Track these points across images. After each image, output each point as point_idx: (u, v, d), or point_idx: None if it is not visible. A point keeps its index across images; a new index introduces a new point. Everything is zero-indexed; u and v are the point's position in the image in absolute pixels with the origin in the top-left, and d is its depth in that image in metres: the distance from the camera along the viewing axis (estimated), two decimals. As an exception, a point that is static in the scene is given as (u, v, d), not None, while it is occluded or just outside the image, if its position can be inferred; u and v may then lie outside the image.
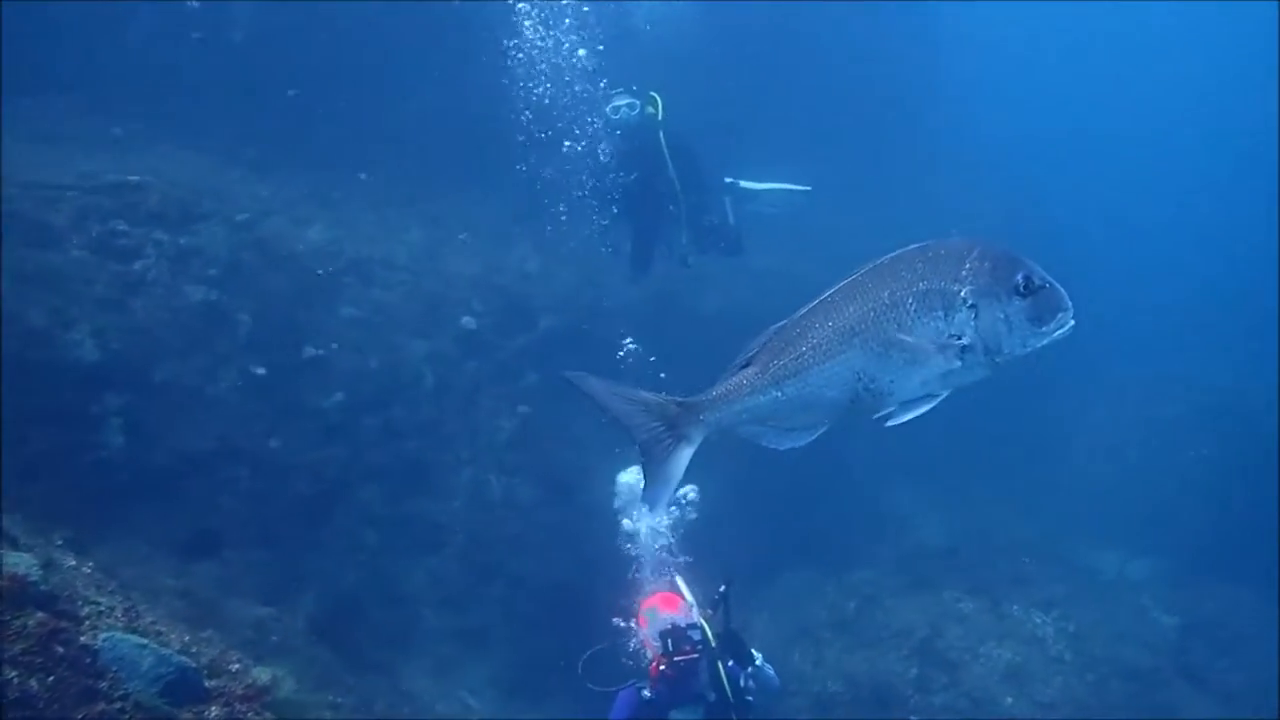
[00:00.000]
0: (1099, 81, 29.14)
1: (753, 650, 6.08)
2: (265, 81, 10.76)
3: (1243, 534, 12.22)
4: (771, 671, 6.21)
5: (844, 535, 11.35)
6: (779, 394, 3.14)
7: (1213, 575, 11.59)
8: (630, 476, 7.26)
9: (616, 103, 8.92)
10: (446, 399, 9.45)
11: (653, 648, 5.85)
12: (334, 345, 8.92)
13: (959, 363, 2.99)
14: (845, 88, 15.43)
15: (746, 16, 14.46)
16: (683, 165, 9.02)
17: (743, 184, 9.24)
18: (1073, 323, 2.96)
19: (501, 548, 9.15)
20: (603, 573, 7.66)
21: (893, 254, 3.09)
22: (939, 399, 3.07)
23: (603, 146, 9.11)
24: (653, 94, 9.04)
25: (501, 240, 10.99)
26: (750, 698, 5.91)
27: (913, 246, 3.07)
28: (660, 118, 8.97)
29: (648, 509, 3.48)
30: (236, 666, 4.54)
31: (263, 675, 4.63)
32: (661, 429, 3.28)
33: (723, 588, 5.94)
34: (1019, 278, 2.96)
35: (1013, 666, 8.74)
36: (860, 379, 3.06)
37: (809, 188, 9.31)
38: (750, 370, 3.16)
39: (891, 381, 3.05)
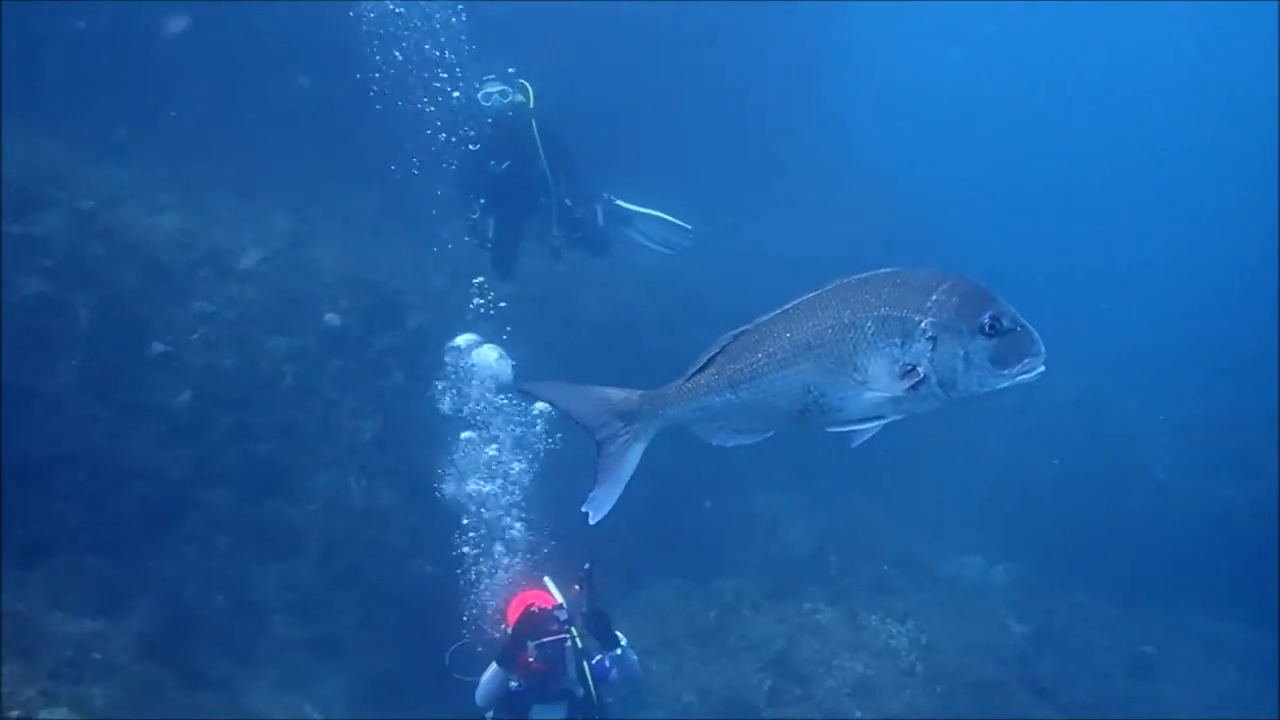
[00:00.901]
0: (1000, 106, 29.55)
1: (618, 634, 6.02)
2: (130, 65, 10.28)
3: (1095, 542, 12.64)
4: (635, 658, 6.19)
5: (713, 540, 11.39)
6: (733, 397, 3.16)
7: (1067, 583, 11.96)
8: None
9: (488, 89, 8.66)
10: (307, 399, 9.17)
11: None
12: (193, 337, 8.58)
13: (912, 392, 2.95)
14: (722, 100, 15.29)
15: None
16: (555, 156, 8.84)
17: (620, 203, 9.10)
18: (1042, 369, 2.85)
19: (360, 552, 8.94)
20: (467, 577, 7.60)
21: (863, 275, 3.07)
22: (889, 420, 3.02)
23: (473, 135, 8.86)
24: (523, 81, 8.81)
25: (372, 234, 10.71)
26: (610, 699, 5.89)
27: (885, 270, 3.04)
28: (532, 105, 8.76)
29: (592, 513, 3.48)
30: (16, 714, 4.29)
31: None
32: (620, 425, 3.27)
33: (586, 565, 5.83)
34: (985, 317, 2.88)
35: (863, 679, 8.87)
36: (810, 392, 3.06)
37: (690, 228, 9.17)
38: (708, 372, 3.17)
39: (841, 399, 3.04)
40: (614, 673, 6.01)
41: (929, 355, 2.91)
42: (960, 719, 8.86)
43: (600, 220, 9.03)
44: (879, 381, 2.98)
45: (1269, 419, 13.88)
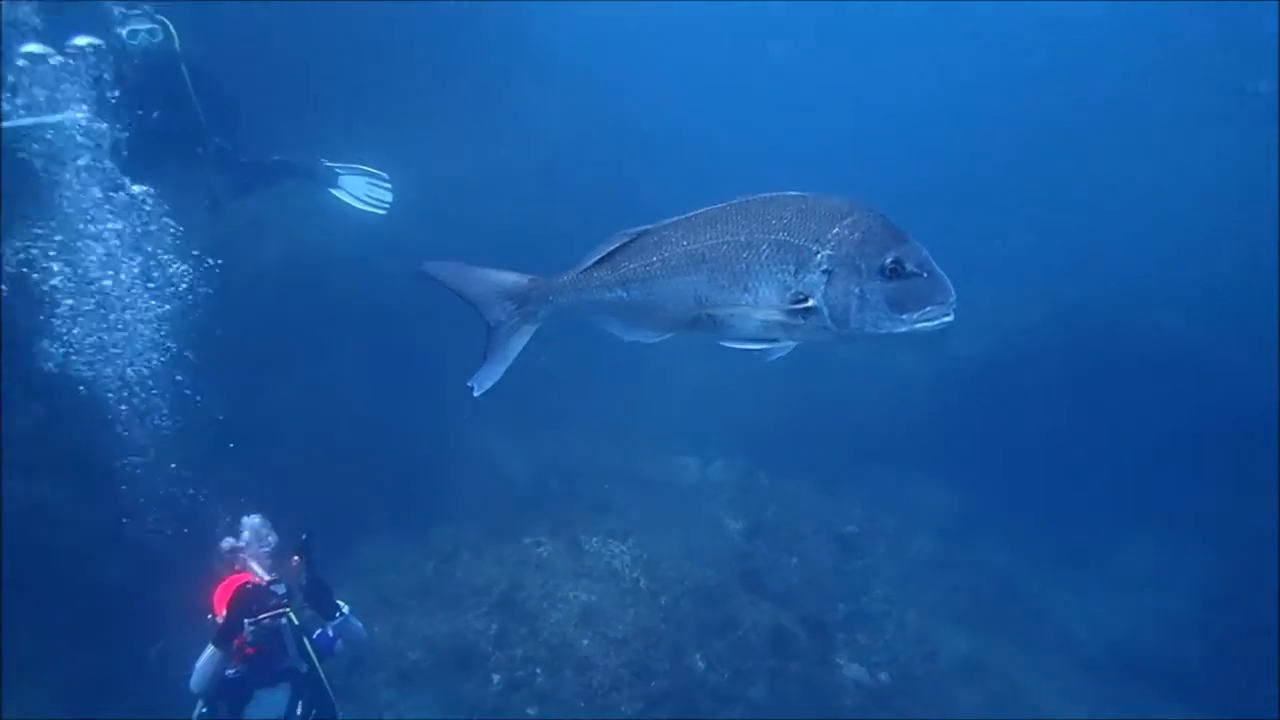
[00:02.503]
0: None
1: (339, 601, 5.83)
2: None
3: (796, 429, 13.30)
4: (359, 624, 6.00)
5: (429, 486, 11.14)
6: (624, 294, 3.22)
7: (776, 472, 12.56)
8: None
9: (134, 26, 7.68)
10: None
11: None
12: None
13: (801, 321, 2.93)
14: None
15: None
16: (209, 101, 8.05)
17: (326, 162, 8.47)
18: (949, 319, 2.83)
19: (27, 557, 8.05)
20: (164, 571, 7.04)
21: (771, 195, 3.03)
22: (786, 347, 3.03)
23: (113, 78, 7.85)
24: (162, 19, 7.87)
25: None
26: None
27: (793, 194, 2.99)
28: (178, 47, 7.87)
29: (477, 387, 3.52)
30: None
31: None
32: (513, 307, 3.40)
33: (304, 536, 5.65)
34: (888, 258, 2.83)
35: (588, 607, 8.96)
36: (702, 304, 3.07)
37: (386, 176, 8.65)
38: (604, 266, 3.24)
39: (731, 316, 3.04)
40: (339, 643, 5.83)
41: (822, 288, 2.90)
42: (685, 627, 9.12)
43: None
44: (769, 305, 2.97)
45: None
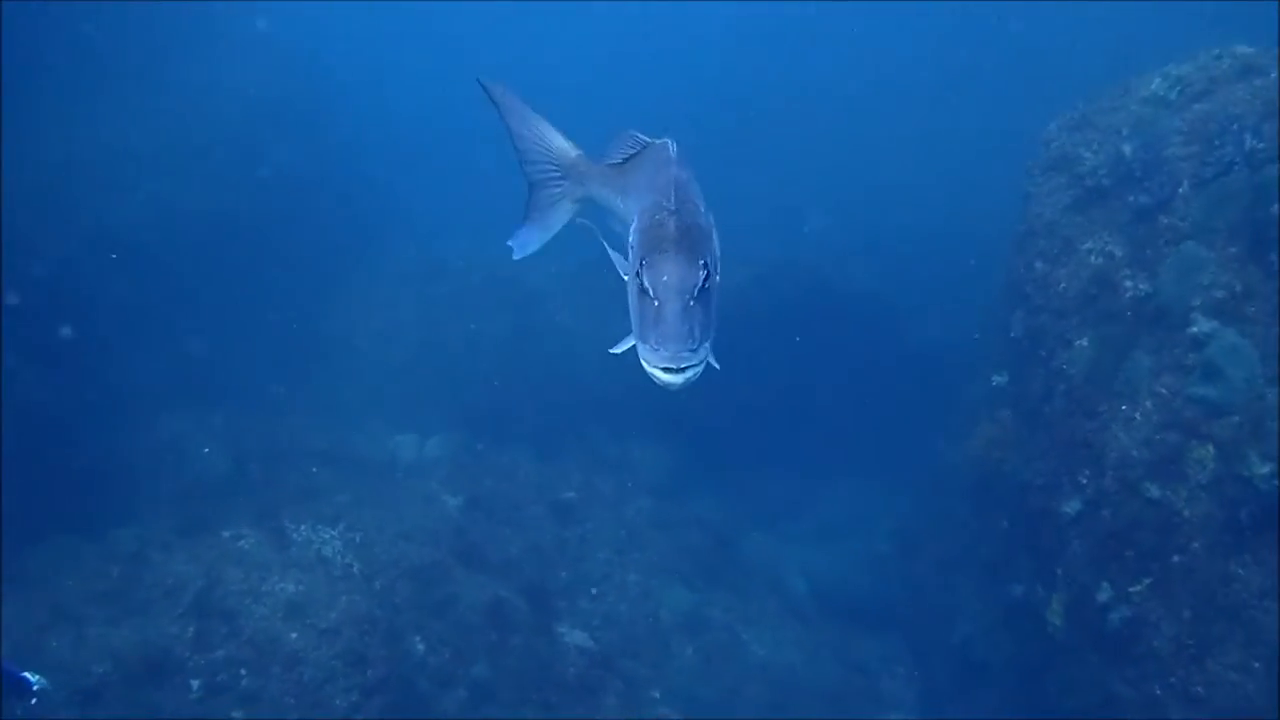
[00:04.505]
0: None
1: (27, 674, 5.30)
2: None
3: (514, 398, 13.17)
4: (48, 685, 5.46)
5: (109, 481, 10.17)
6: (620, 205, 3.17)
7: (493, 444, 12.38)
8: None
9: None
10: None
11: None
12: None
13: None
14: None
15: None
16: None
17: None
18: (661, 373, 2.59)
19: None
20: None
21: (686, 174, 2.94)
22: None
23: None
24: None
25: None
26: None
27: (687, 175, 2.93)
28: None
29: (517, 249, 3.46)
30: None
31: None
32: (556, 174, 3.32)
33: None
34: (639, 262, 2.66)
35: (296, 598, 8.41)
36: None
37: None
38: (617, 169, 3.16)
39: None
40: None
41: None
42: (402, 609, 8.78)
43: None
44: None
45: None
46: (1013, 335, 8.50)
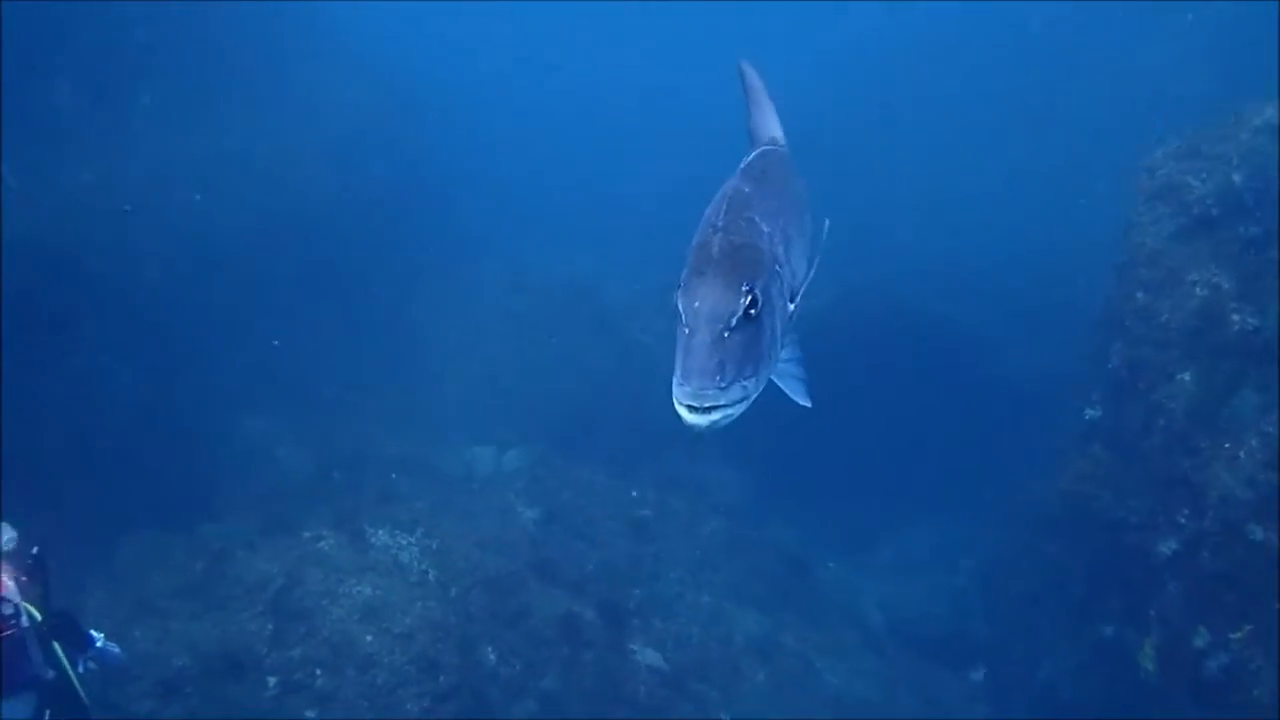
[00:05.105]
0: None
1: (91, 631, 5.34)
2: None
3: (594, 415, 13.18)
4: (116, 649, 5.53)
5: (200, 478, 10.37)
6: None
7: (571, 459, 12.36)
8: None
9: None
10: None
11: None
12: None
13: None
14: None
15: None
16: None
17: None
18: (682, 411, 2.30)
19: None
20: None
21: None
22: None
23: None
24: None
25: None
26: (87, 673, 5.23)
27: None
28: None
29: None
30: None
31: None
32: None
33: (35, 550, 5.11)
34: (678, 288, 2.44)
35: (372, 601, 8.47)
36: None
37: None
38: None
39: None
40: (90, 665, 5.34)
41: None
42: (476, 618, 8.79)
43: None
44: None
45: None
46: (1110, 366, 8.24)
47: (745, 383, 2.37)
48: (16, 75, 9.34)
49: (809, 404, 2.77)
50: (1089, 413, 8.83)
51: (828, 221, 3.10)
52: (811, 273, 2.89)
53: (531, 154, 24.27)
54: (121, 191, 10.82)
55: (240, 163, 12.84)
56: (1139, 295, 8.06)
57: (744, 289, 2.37)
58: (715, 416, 2.31)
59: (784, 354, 2.77)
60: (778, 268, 2.59)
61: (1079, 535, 8.87)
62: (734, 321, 2.34)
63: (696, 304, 2.35)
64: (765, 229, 2.61)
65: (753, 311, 2.37)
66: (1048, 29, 20.98)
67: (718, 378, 2.30)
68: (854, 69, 23.73)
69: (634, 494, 11.64)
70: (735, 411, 2.36)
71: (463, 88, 25.30)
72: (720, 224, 2.55)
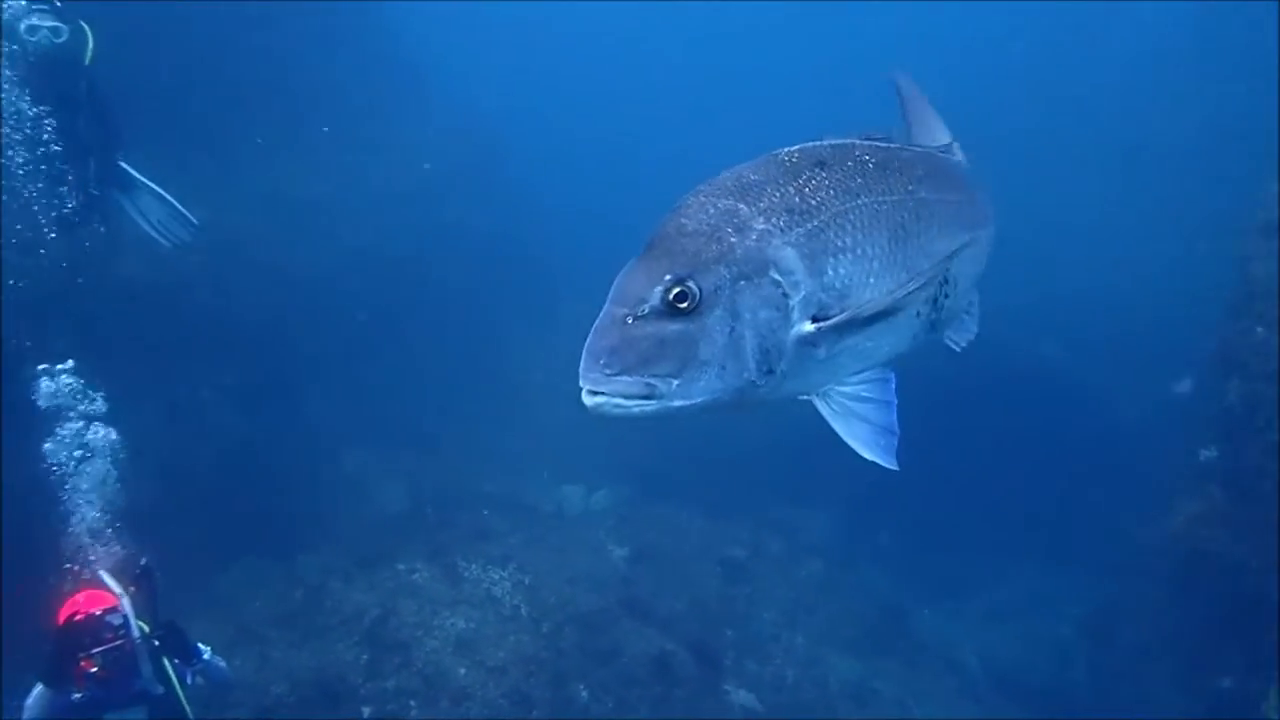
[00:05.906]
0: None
1: (199, 644, 5.47)
2: None
3: (684, 455, 13.07)
4: (223, 663, 5.70)
5: (297, 510, 10.53)
6: None
7: (662, 500, 12.28)
8: None
9: (37, 22, 7.01)
10: None
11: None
12: None
13: None
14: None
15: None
16: (96, 117, 7.50)
17: (125, 167, 7.82)
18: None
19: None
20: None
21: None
22: None
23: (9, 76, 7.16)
24: (83, 23, 7.25)
25: None
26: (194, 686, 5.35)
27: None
28: (89, 58, 7.29)
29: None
30: None
31: None
32: None
33: (143, 561, 5.31)
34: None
35: (466, 634, 8.48)
36: None
37: (196, 222, 8.08)
38: None
39: None
40: (198, 679, 5.47)
41: None
42: (567, 654, 8.73)
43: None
44: None
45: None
46: (1226, 404, 7.93)
47: (652, 380, 2.21)
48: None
49: (893, 466, 2.48)
50: (1204, 453, 8.48)
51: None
52: (887, 301, 2.48)
53: (615, 193, 24.50)
54: (227, 230, 11.14)
55: (337, 203, 13.14)
56: (1258, 330, 7.77)
57: (667, 279, 2.20)
58: (599, 401, 2.21)
59: (852, 389, 2.51)
60: (772, 274, 2.30)
61: (1193, 580, 8.50)
62: (643, 310, 2.20)
63: (615, 281, 2.24)
64: (758, 225, 2.32)
65: (681, 306, 2.20)
66: (1143, 62, 20.64)
67: (602, 361, 2.19)
68: (952, 97, 23.58)
69: (727, 534, 11.50)
70: (634, 407, 2.22)
71: (551, 130, 25.76)
72: (681, 205, 2.35)
